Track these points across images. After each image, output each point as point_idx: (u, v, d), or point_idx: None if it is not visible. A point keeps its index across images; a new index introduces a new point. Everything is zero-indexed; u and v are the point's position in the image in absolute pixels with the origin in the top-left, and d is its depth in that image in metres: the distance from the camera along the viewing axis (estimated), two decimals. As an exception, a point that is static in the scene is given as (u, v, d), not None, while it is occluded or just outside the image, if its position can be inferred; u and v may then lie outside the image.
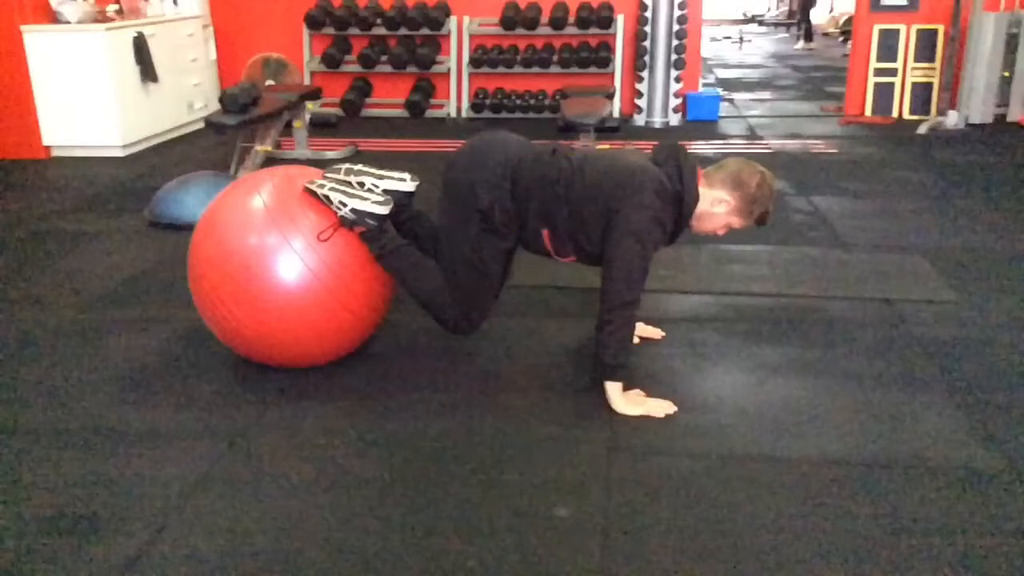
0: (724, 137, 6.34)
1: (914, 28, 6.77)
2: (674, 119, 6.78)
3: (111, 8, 5.92)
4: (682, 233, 2.51)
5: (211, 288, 2.43)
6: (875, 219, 4.17)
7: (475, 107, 7.00)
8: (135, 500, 2.01)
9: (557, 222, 2.44)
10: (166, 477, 2.10)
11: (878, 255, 3.64)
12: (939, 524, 1.89)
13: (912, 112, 6.85)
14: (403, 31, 6.98)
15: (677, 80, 6.69)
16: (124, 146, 5.76)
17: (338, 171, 2.54)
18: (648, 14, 6.59)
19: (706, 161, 2.73)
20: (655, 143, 2.62)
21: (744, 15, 19.42)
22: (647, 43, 6.66)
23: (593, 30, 6.86)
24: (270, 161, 4.92)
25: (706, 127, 6.70)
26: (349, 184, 2.46)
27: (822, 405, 2.41)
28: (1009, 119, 6.50)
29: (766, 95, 8.48)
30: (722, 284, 3.34)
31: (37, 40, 5.50)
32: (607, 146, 2.73)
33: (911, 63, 6.81)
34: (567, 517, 1.93)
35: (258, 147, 5.09)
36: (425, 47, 6.95)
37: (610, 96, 5.76)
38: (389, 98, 7.25)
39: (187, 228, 3.07)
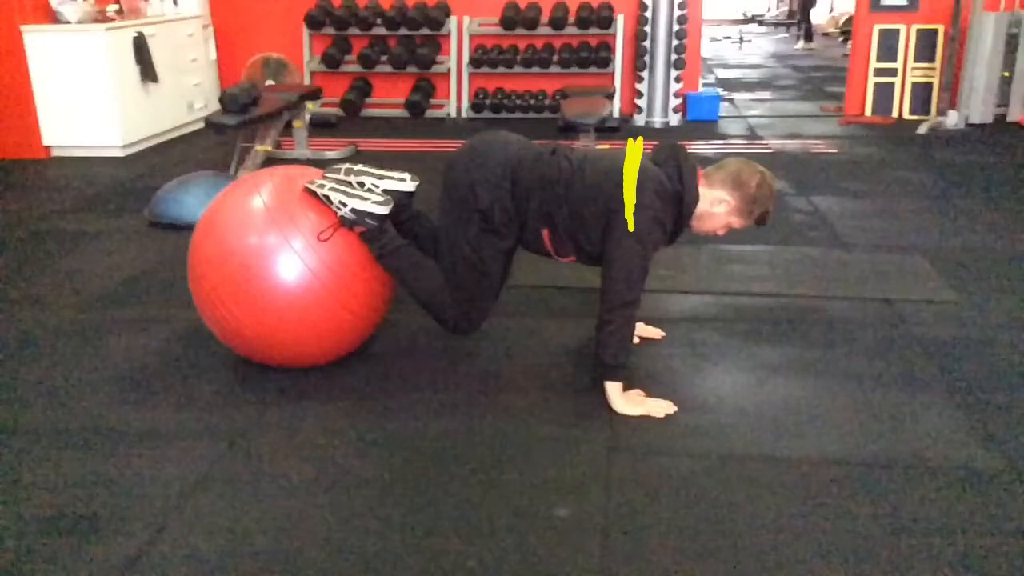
0: (724, 137, 6.34)
1: (914, 28, 6.76)
2: (674, 119, 6.78)
3: (111, 8, 5.92)
4: (682, 233, 2.51)
5: (211, 288, 2.44)
6: (875, 219, 4.16)
7: (475, 107, 7.00)
8: (135, 500, 2.01)
9: (557, 222, 2.44)
10: (166, 477, 2.10)
11: (878, 255, 3.64)
12: (939, 524, 1.89)
13: (912, 112, 6.85)
14: (403, 31, 6.98)
15: (677, 80, 6.69)
16: (124, 146, 5.76)
17: (338, 171, 2.54)
18: (648, 14, 6.59)
19: (706, 161, 2.73)
20: (655, 143, 2.62)
21: (744, 15, 19.41)
22: (647, 43, 6.66)
23: (593, 30, 6.86)
24: (270, 161, 4.91)
25: (706, 127, 6.70)
26: (349, 184, 2.46)
27: (822, 405, 2.41)
28: (1009, 119, 6.50)
29: (766, 95, 8.47)
30: (722, 284, 3.34)
31: (37, 40, 5.49)
32: (607, 146, 2.73)
33: (911, 63, 6.81)
34: (567, 517, 1.93)
35: (258, 147, 5.09)
36: (425, 47, 6.95)
37: (610, 96, 5.76)
38: (389, 98, 7.25)
39: (187, 228, 3.07)
